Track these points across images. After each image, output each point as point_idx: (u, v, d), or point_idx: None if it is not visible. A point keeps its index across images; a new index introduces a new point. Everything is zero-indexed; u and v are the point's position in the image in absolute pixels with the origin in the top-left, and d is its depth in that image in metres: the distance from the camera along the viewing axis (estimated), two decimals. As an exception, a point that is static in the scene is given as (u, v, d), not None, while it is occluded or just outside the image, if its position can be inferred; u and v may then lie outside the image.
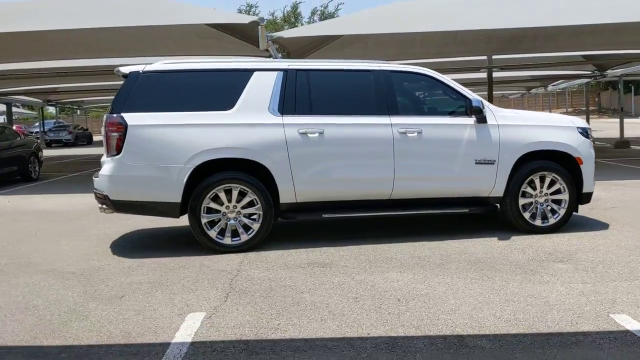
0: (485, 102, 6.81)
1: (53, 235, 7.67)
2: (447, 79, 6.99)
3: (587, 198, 7.04)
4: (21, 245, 7.10)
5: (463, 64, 18.21)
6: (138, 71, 6.33)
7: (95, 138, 41.64)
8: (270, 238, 6.49)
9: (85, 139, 39.27)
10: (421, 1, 14.36)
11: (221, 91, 6.45)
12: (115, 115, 6.18)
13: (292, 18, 49.55)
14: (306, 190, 6.39)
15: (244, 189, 6.25)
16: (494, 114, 6.83)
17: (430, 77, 6.91)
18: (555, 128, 6.99)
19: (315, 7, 70.99)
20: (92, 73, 19.37)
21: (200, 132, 6.23)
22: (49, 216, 9.17)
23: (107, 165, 6.23)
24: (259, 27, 11.11)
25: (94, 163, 20.97)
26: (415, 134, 6.57)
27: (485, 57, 16.23)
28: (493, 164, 6.71)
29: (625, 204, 8.68)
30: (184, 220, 6.46)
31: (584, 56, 19.25)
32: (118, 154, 6.16)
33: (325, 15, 49.49)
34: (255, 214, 6.31)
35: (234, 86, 6.43)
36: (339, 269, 5.51)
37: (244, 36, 12.88)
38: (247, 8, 46.55)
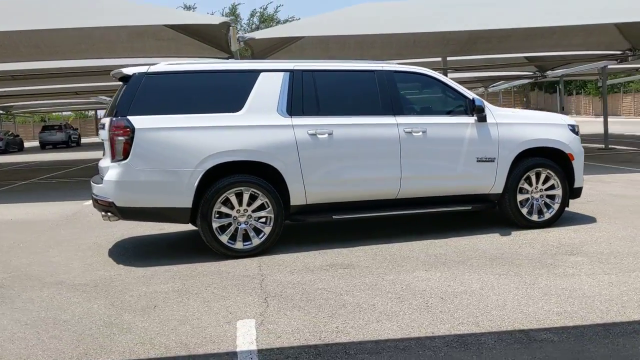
0: (485, 102, 6.96)
1: (38, 246, 7.28)
2: (446, 78, 7.11)
3: (577, 193, 7.31)
4: (10, 257, 6.71)
5: (420, 65, 18.53)
6: (142, 72, 6.10)
7: (28, 144, 39.85)
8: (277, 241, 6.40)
9: (16, 145, 37.56)
10: (381, 4, 14.54)
11: (228, 93, 6.31)
12: (120, 118, 5.93)
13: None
14: (316, 192, 6.34)
15: (255, 192, 6.13)
16: (493, 112, 6.99)
17: (430, 77, 7.00)
18: (549, 126, 7.22)
19: (255, 9, 70.51)
20: (24, 77, 18.35)
21: (211, 135, 6.07)
22: (21, 227, 8.70)
23: (113, 171, 5.97)
24: (230, 28, 10.94)
25: (40, 170, 20.12)
26: (420, 133, 6.64)
27: (440, 59, 16.59)
28: (493, 161, 6.86)
29: (598, 197, 9.06)
30: (171, 227, 6.29)
31: (527, 58, 20.00)
32: (125, 158, 5.91)
33: (264, 17, 49.29)
34: (266, 217, 6.20)
35: (241, 87, 6.31)
36: (363, 269, 5.48)
37: (204, 38, 12.67)
38: (185, 9, 45.73)
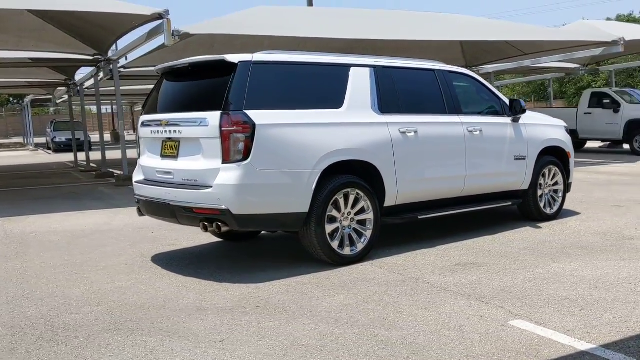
0: None
1: (90, 267, 6.02)
2: (482, 79, 7.46)
3: (569, 187, 8.17)
4: (76, 288, 5.37)
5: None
6: (248, 61, 5.37)
7: None
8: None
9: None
10: (276, 8, 14.41)
11: (329, 87, 5.88)
12: (238, 112, 5.15)
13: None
14: (406, 191, 6.19)
15: (359, 194, 5.78)
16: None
17: (472, 78, 7.30)
18: (555, 127, 7.97)
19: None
20: None
21: (324, 132, 5.60)
22: (41, 244, 6.95)
23: (230, 173, 5.14)
24: (165, 20, 9.93)
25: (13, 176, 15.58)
26: (478, 132, 6.87)
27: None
28: (524, 159, 7.37)
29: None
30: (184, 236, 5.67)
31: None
32: (245, 158, 5.14)
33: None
34: (366, 219, 5.87)
35: (339, 82, 5.92)
36: (497, 266, 5.52)
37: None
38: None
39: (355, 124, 5.83)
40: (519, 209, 7.71)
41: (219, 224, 5.19)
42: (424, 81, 6.71)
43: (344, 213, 5.72)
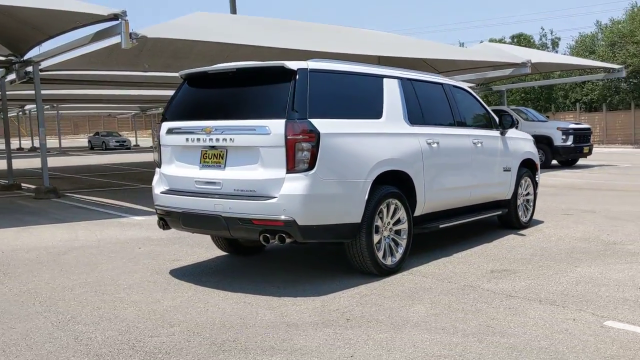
0: None
1: (112, 287, 5.41)
2: (475, 94, 7.83)
3: (536, 196, 8.76)
4: (122, 310, 4.88)
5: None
6: (305, 68, 5.25)
7: None
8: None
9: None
10: (213, 15, 14.08)
11: (370, 97, 5.89)
12: (303, 120, 5.01)
13: None
14: (431, 201, 6.34)
15: (397, 204, 5.84)
16: (504, 127, 7.92)
17: (469, 92, 7.61)
18: (527, 141, 8.52)
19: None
20: None
21: (374, 142, 5.64)
22: (23, 263, 6.11)
23: (296, 183, 4.98)
24: (122, 21, 9.37)
25: None
26: (480, 144, 7.20)
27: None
28: (510, 170, 7.82)
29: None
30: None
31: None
32: (311, 168, 5.00)
33: None
34: (401, 229, 5.94)
35: (377, 92, 5.96)
36: (529, 272, 5.79)
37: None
38: None
39: (395, 135, 5.90)
40: (499, 217, 8.12)
41: (283, 235, 5.00)
42: (436, 94, 6.91)
43: (384, 223, 5.74)
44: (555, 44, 41.48)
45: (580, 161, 19.79)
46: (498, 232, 7.81)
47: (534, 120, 19.28)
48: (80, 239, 7.96)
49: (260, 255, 6.74)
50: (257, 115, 5.19)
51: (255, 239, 5.28)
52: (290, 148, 4.98)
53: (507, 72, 16.48)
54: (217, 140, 5.33)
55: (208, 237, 6.89)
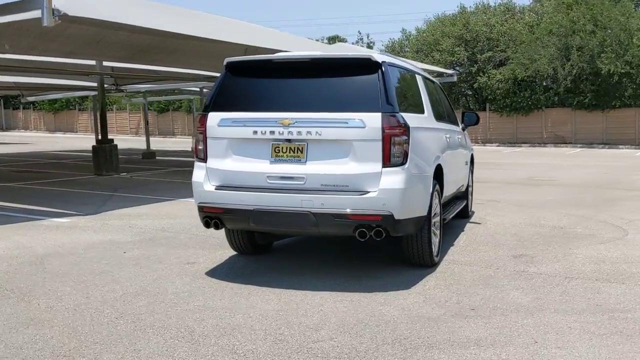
0: None
1: (164, 295, 4.78)
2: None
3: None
4: (231, 318, 4.39)
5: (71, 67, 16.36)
6: (385, 61, 5.22)
7: None
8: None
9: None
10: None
11: (415, 93, 5.99)
12: (396, 114, 4.99)
13: None
14: (446, 194, 6.67)
15: (438, 197, 6.07)
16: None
17: (442, 89, 8.06)
18: (468, 136, 9.26)
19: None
20: None
21: (432, 137, 5.81)
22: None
23: (394, 177, 4.95)
24: (45, -4, 8.23)
25: None
26: (460, 139, 7.74)
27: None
28: (467, 163, 8.49)
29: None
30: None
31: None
32: (405, 161, 5.01)
33: None
34: (436, 222, 6.17)
35: (416, 88, 6.11)
36: (549, 254, 6.43)
37: None
38: None
39: (435, 129, 6.13)
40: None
41: (380, 230, 4.95)
42: (437, 91, 7.26)
43: (432, 216, 5.91)
44: (370, 47, 44.45)
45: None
46: (452, 223, 8.32)
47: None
48: (30, 246, 6.87)
49: (271, 254, 6.49)
50: (345, 108, 5.04)
51: (347, 235, 5.12)
52: (387, 142, 4.94)
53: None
54: (299, 133, 5.06)
55: (192, 237, 6.45)
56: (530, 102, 30.58)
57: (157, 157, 21.94)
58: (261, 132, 5.16)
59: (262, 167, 5.18)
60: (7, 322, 4.33)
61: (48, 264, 6.05)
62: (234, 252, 6.41)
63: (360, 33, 44.89)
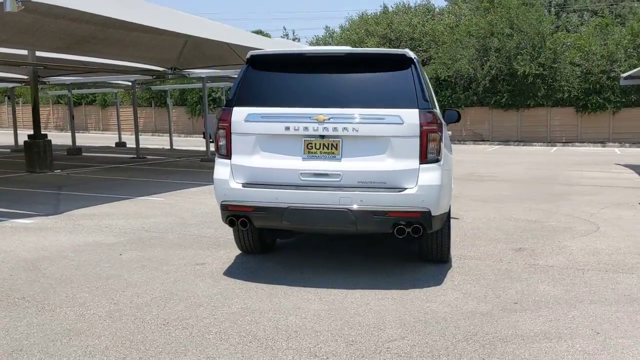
0: None
1: (199, 300, 4.53)
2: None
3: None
4: (282, 320, 4.20)
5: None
6: (415, 57, 5.20)
7: None
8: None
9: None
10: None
11: (428, 88, 5.99)
12: (431, 110, 4.99)
13: None
14: None
15: (446, 193, 6.15)
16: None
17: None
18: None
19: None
20: None
21: (446, 132, 5.81)
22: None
23: (432, 174, 4.93)
24: (7, -21, 7.63)
25: None
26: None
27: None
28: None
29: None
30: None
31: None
32: (439, 158, 5.01)
33: None
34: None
35: (429, 85, 6.11)
36: (548, 247, 6.67)
37: None
38: None
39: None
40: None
41: (419, 226, 4.92)
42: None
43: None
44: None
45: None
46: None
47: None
48: (11, 250, 6.33)
49: (275, 253, 6.33)
50: (380, 104, 4.97)
51: (384, 232, 5.05)
52: (424, 138, 4.92)
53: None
54: (335, 129, 4.93)
55: (181, 237, 6.21)
56: (450, 101, 31.62)
57: (83, 154, 20.91)
58: (294, 128, 5.00)
59: (294, 163, 5.02)
60: (42, 333, 3.96)
61: (44, 269, 5.60)
62: (235, 251, 6.21)
63: (285, 29, 44.26)
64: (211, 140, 19.29)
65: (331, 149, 4.99)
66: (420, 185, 4.90)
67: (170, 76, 18.85)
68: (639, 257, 6.19)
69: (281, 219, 5.00)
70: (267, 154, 5.10)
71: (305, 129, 4.98)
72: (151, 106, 40.18)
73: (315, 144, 5.01)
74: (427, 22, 33.42)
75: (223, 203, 5.15)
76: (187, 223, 7.89)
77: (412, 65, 5.09)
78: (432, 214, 4.96)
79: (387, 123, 4.91)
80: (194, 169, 16.03)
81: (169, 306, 4.52)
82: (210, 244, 6.64)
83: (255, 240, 5.91)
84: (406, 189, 4.90)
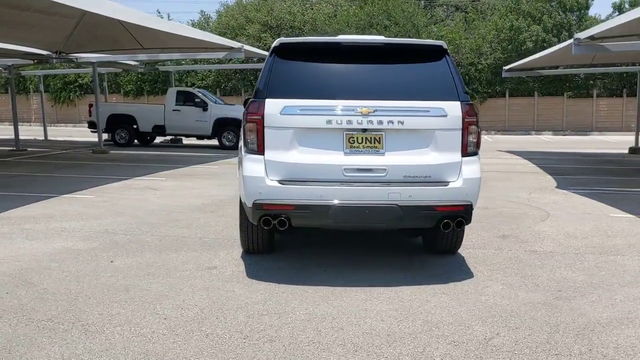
0: None
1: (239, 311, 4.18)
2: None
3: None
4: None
5: None
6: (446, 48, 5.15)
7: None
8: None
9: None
10: None
11: None
12: (469, 102, 4.99)
13: None
14: None
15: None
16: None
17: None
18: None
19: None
20: None
21: None
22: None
23: (473, 167, 4.94)
24: None
25: None
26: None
27: None
28: None
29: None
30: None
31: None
32: (477, 152, 5.02)
33: None
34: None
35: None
36: (531, 236, 6.97)
37: None
38: None
39: None
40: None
41: (462, 220, 4.91)
42: None
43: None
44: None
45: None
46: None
47: (220, 104, 19.94)
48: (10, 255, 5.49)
49: (279, 253, 6.04)
50: (422, 96, 4.86)
51: (429, 227, 4.96)
52: (465, 131, 4.90)
53: (221, 55, 16.75)
54: (379, 122, 4.76)
55: (163, 239, 5.84)
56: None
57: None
58: (336, 121, 4.76)
59: (337, 159, 4.79)
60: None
61: (38, 283, 4.90)
62: (234, 251, 5.88)
63: (159, 12, 41.85)
64: (103, 130, 18.02)
65: (374, 143, 4.82)
66: (464, 178, 4.89)
67: (55, 61, 17.28)
68: (610, 239, 6.64)
69: (326, 218, 4.75)
70: (306, 149, 4.82)
71: (349, 122, 4.77)
72: (7, 92, 36.67)
73: (357, 138, 4.82)
74: (306, 11, 33.53)
75: (256, 202, 4.79)
76: (149, 223, 7.30)
77: (447, 56, 5.05)
78: (473, 206, 4.97)
79: (432, 116, 4.84)
80: (93, 162, 14.88)
81: (229, 318, 4.14)
82: (199, 245, 6.19)
83: (265, 240, 5.59)
84: (449, 182, 4.87)
